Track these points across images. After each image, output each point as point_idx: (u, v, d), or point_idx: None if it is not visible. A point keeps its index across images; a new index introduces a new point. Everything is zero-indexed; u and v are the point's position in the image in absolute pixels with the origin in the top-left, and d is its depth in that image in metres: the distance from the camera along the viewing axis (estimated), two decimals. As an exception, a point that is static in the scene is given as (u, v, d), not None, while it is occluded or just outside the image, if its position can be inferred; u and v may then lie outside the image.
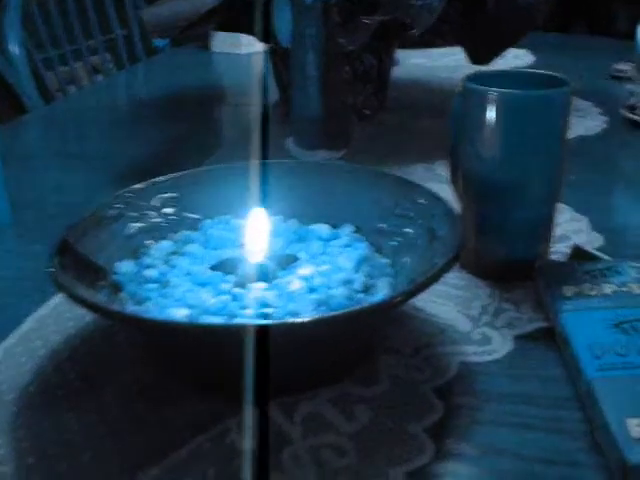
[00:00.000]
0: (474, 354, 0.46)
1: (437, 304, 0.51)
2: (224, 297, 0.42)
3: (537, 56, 1.25)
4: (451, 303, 0.51)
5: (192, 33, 1.23)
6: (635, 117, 0.90)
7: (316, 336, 0.38)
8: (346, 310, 0.38)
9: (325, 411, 0.40)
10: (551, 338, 0.47)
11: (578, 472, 0.37)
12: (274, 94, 0.98)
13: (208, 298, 0.42)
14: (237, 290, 0.43)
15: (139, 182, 0.54)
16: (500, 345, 0.47)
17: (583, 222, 0.64)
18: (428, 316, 0.49)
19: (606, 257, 0.55)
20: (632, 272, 0.50)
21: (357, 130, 0.81)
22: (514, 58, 1.20)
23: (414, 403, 0.41)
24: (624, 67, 1.11)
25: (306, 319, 0.34)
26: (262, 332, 0.35)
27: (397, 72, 1.06)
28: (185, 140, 0.93)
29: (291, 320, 0.35)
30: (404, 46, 1.03)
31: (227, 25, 1.01)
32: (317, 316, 0.35)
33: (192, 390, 0.42)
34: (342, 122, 0.68)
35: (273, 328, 0.35)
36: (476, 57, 0.91)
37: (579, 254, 0.55)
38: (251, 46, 1.32)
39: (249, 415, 0.39)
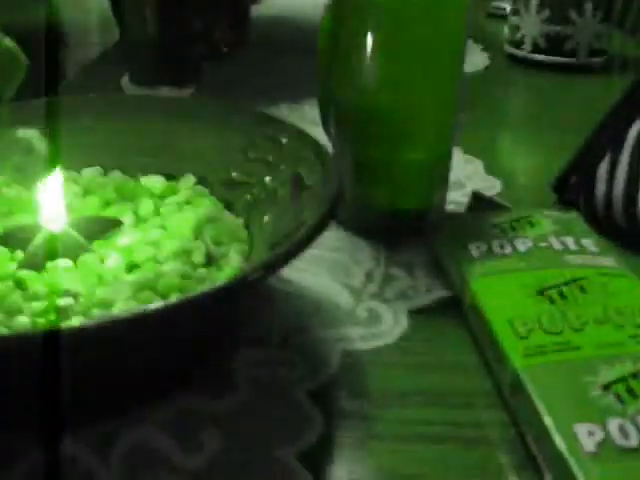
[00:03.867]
0: (360, 339, 0.35)
1: (307, 273, 0.39)
2: (5, 284, 0.29)
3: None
4: (325, 271, 0.40)
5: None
6: (521, 53, 0.82)
7: (133, 338, 0.25)
8: (171, 303, 0.25)
9: (155, 441, 0.28)
10: (457, 311, 0.36)
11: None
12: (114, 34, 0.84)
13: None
14: (25, 273, 0.30)
15: None
16: (392, 324, 0.36)
17: (476, 165, 0.55)
18: (296, 289, 0.38)
19: (509, 206, 0.46)
20: (547, 223, 0.40)
21: (210, 68, 0.69)
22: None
23: (284, 417, 0.30)
24: (503, 4, 1.05)
25: (102, 321, 0.22)
26: (50, 338, 0.23)
27: (258, 10, 0.94)
28: None
29: (85, 324, 0.23)
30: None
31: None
32: (120, 316, 0.22)
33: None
34: (187, 50, 0.55)
35: (64, 334, 0.23)
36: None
37: (479, 202, 0.45)
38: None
39: (42, 458, 0.27)
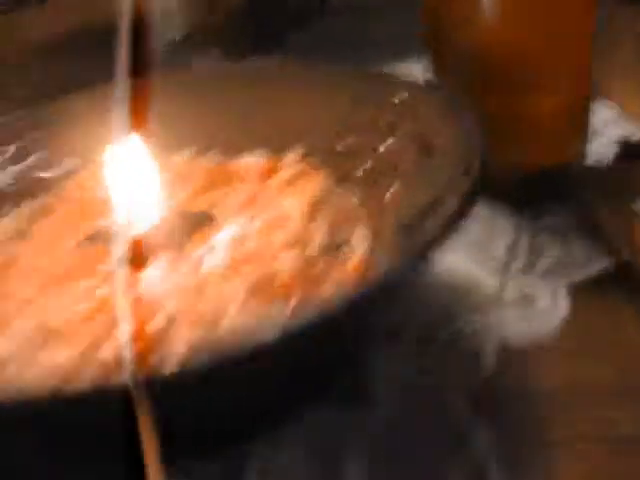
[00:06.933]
0: (514, 324, 0.29)
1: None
2: (90, 304, 0.24)
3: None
4: (460, 246, 0.33)
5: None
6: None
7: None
8: (312, 316, 0.19)
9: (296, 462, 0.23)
10: (627, 283, 0.30)
11: None
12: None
13: (63, 307, 0.24)
14: (107, 292, 0.25)
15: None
16: (551, 304, 0.30)
17: (614, 111, 0.47)
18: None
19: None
20: None
21: (293, 37, 0.64)
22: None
23: (440, 434, 0.24)
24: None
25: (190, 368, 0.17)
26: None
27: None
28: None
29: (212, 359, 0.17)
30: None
31: None
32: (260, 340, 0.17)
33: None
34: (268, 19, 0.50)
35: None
36: None
37: (631, 152, 0.38)
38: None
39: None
